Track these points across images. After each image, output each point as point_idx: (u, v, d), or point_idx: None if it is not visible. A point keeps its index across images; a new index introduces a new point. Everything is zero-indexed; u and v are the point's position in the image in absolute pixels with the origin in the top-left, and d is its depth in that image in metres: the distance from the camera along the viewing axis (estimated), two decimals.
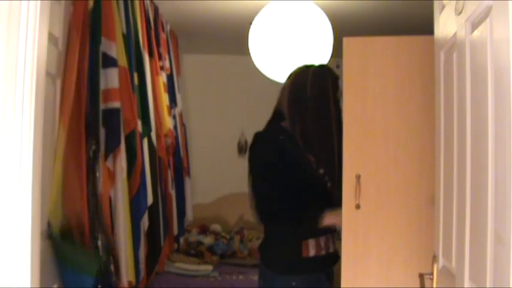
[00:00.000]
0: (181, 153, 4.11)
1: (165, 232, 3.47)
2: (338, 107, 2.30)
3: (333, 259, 2.34)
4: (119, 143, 2.44)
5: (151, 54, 3.26)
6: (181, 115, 4.30)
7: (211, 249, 4.50)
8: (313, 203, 2.27)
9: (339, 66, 2.60)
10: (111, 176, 2.41)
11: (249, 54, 3.46)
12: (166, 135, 3.54)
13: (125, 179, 2.52)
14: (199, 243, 4.58)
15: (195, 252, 4.43)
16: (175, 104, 4.07)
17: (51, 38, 1.86)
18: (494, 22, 1.05)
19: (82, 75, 2.17)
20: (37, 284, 1.36)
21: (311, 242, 2.25)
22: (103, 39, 2.37)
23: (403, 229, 2.11)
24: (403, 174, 2.11)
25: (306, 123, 2.25)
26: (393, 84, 2.14)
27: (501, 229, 0.99)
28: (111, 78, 2.41)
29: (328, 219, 2.21)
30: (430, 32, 1.76)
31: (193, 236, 4.67)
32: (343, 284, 2.14)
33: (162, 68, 3.64)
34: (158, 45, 3.57)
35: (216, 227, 4.85)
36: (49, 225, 1.94)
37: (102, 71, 2.36)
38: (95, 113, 2.27)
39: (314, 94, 2.26)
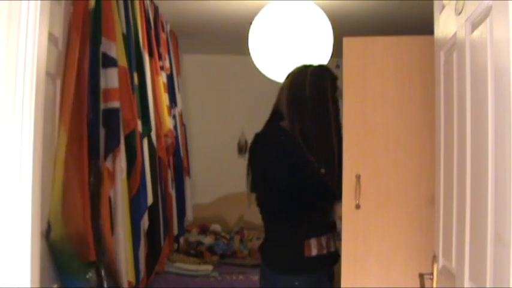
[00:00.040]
0: (181, 153, 4.11)
1: (165, 232, 3.47)
2: (337, 107, 2.30)
3: (333, 258, 2.35)
4: (118, 143, 2.44)
5: (151, 54, 3.25)
6: (181, 115, 4.30)
7: (211, 249, 4.49)
8: (318, 202, 2.28)
9: (339, 66, 2.61)
10: (111, 176, 2.41)
11: (249, 54, 3.46)
12: (166, 135, 3.54)
13: (124, 179, 2.52)
14: (199, 243, 4.58)
15: (195, 252, 4.43)
16: (175, 104, 4.07)
17: (51, 38, 1.86)
18: (494, 22, 1.05)
19: (83, 76, 2.17)
20: (37, 284, 1.36)
21: (313, 242, 2.25)
22: (103, 39, 2.37)
23: (403, 229, 2.11)
24: (403, 174, 2.11)
25: (305, 123, 2.25)
26: (393, 84, 2.14)
27: (501, 229, 0.99)
28: (110, 78, 2.40)
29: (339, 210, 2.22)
30: (430, 32, 1.76)
31: (193, 236, 4.67)
32: (343, 284, 2.14)
33: (162, 68, 3.64)
34: (158, 45, 3.57)
35: (216, 227, 4.85)
36: (49, 226, 1.94)
37: (102, 71, 2.36)
38: (95, 113, 2.28)
39: (313, 94, 2.27)
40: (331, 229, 2.35)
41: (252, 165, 2.38)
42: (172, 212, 3.75)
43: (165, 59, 3.78)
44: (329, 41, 3.34)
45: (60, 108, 2.06)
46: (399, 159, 2.12)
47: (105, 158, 2.35)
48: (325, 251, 2.28)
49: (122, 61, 2.51)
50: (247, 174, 2.38)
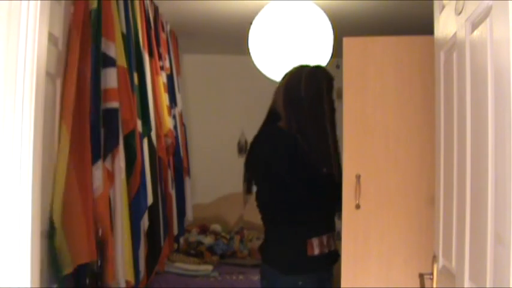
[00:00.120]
0: (181, 153, 4.11)
1: (165, 232, 3.47)
2: (333, 107, 2.31)
3: (334, 257, 2.35)
4: (117, 143, 2.44)
5: (151, 54, 3.25)
6: (181, 115, 4.30)
7: (211, 249, 4.49)
8: (320, 201, 2.28)
9: (339, 66, 2.60)
10: (110, 176, 2.41)
11: (249, 54, 3.46)
12: (166, 135, 3.54)
13: (123, 179, 2.52)
14: (199, 243, 4.58)
15: (195, 252, 4.43)
16: (175, 104, 4.07)
17: (51, 38, 1.86)
18: (494, 22, 1.05)
19: (84, 76, 2.17)
20: (37, 284, 1.36)
21: (315, 241, 2.25)
22: (102, 39, 2.37)
23: (403, 229, 2.11)
24: (403, 174, 2.11)
25: (302, 123, 2.26)
26: (393, 84, 2.14)
27: (501, 229, 0.99)
28: (109, 78, 2.40)
29: None
30: (430, 32, 1.76)
31: (193, 236, 4.67)
32: (343, 284, 2.14)
33: (162, 68, 3.64)
34: (158, 45, 3.57)
35: (216, 227, 4.85)
36: (52, 226, 1.94)
37: (102, 71, 2.36)
38: (97, 113, 2.28)
39: (308, 94, 2.27)
40: (331, 228, 2.35)
41: (251, 166, 2.38)
42: (172, 212, 3.75)
43: (165, 59, 3.78)
44: (329, 41, 3.34)
45: (62, 109, 2.06)
46: (399, 159, 2.12)
47: (104, 158, 2.35)
48: (326, 250, 2.29)
49: (121, 61, 2.51)
50: (244, 174, 2.38)
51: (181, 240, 4.32)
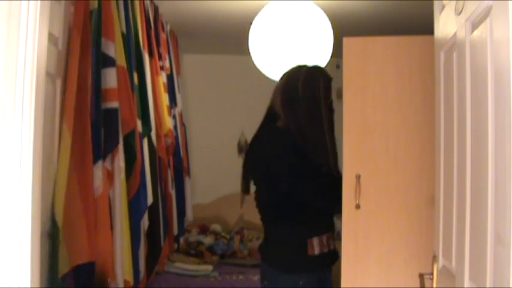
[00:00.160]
0: (181, 153, 4.11)
1: (165, 232, 3.47)
2: (331, 107, 2.31)
3: (333, 257, 2.35)
4: (117, 143, 2.44)
5: (151, 54, 3.26)
6: (181, 115, 4.30)
7: (211, 249, 4.49)
8: (321, 201, 2.28)
9: (339, 66, 2.61)
10: (110, 176, 2.41)
11: (249, 54, 3.46)
12: (166, 135, 3.54)
13: (123, 179, 2.52)
14: (199, 243, 4.58)
15: (195, 252, 4.43)
16: (175, 104, 4.07)
17: (51, 38, 1.86)
18: (494, 22, 1.05)
19: (85, 76, 2.17)
20: (37, 284, 1.35)
21: (315, 240, 2.25)
22: (102, 39, 2.37)
23: (403, 229, 2.11)
24: (403, 174, 2.11)
25: (300, 122, 2.26)
26: (393, 84, 2.14)
27: (501, 229, 0.99)
28: (109, 78, 2.40)
29: None
30: (430, 32, 1.76)
31: (193, 236, 4.67)
32: (343, 284, 2.14)
33: (162, 68, 3.64)
34: (158, 45, 3.57)
35: (216, 227, 4.85)
36: (54, 226, 1.94)
37: (101, 71, 2.36)
38: (98, 113, 2.28)
39: (305, 94, 2.27)
40: (330, 227, 2.35)
41: (250, 166, 2.38)
42: (172, 212, 3.75)
43: (165, 59, 3.78)
44: (329, 41, 3.34)
45: (63, 109, 2.06)
46: (399, 159, 2.12)
47: (104, 158, 2.35)
48: (326, 250, 2.29)
49: (121, 61, 2.51)
50: (243, 174, 2.38)
51: (181, 240, 4.32)
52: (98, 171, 2.26)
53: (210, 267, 4.11)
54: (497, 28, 1.03)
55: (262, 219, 2.39)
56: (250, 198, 2.39)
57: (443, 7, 1.56)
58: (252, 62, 3.49)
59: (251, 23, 3.38)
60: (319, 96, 2.27)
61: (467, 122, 1.25)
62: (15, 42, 1.26)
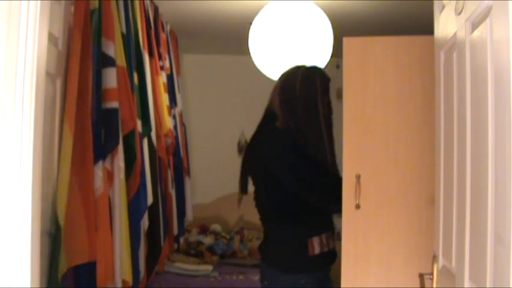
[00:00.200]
0: (181, 153, 4.11)
1: (165, 232, 3.47)
2: (329, 107, 2.31)
3: (332, 257, 2.35)
4: (117, 143, 2.44)
5: (151, 54, 3.25)
6: (181, 115, 4.30)
7: (211, 249, 4.49)
8: (321, 200, 2.28)
9: (339, 66, 2.61)
10: (110, 176, 2.41)
11: (249, 54, 3.46)
12: (166, 135, 3.54)
13: (122, 179, 2.52)
14: (199, 243, 4.58)
15: (195, 252, 4.43)
16: (175, 104, 4.07)
17: (51, 38, 1.86)
18: (494, 22, 1.05)
19: (86, 76, 2.17)
20: (37, 284, 1.36)
21: (315, 240, 2.26)
22: (102, 39, 2.37)
23: (403, 229, 2.11)
24: (403, 174, 2.11)
25: (298, 122, 2.26)
26: (393, 84, 2.14)
27: (501, 229, 0.99)
28: (109, 78, 2.40)
29: None
30: (430, 32, 1.76)
31: (193, 236, 4.67)
32: (343, 284, 2.14)
33: (162, 68, 3.64)
34: (158, 45, 3.57)
35: (216, 227, 4.85)
36: (57, 226, 1.94)
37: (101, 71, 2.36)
38: (99, 113, 2.28)
39: (303, 94, 2.28)
40: (330, 227, 2.36)
41: (249, 166, 2.38)
42: (172, 212, 3.75)
43: (165, 59, 3.78)
44: (329, 41, 3.34)
45: (65, 109, 2.06)
46: (399, 159, 2.12)
47: (104, 158, 2.35)
48: (326, 249, 2.29)
49: (121, 60, 2.51)
50: (241, 174, 2.38)
51: (181, 240, 4.32)
52: (99, 171, 2.26)
53: (210, 267, 4.11)
54: (497, 28, 1.03)
55: (261, 219, 2.39)
56: (250, 198, 2.40)
57: (443, 7, 1.56)
58: (252, 62, 3.49)
59: (251, 23, 3.38)
60: (316, 96, 2.28)
61: (467, 122, 1.25)
62: (15, 42, 1.26)
